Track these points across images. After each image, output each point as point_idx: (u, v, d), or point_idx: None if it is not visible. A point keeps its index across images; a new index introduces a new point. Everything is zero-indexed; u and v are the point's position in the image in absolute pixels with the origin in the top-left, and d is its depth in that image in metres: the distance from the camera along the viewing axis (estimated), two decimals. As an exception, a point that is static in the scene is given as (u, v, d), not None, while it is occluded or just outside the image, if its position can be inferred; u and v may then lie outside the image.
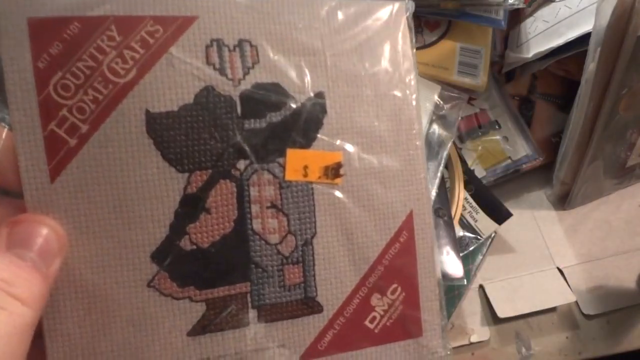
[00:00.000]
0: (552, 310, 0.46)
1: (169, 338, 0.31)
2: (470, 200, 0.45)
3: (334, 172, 0.34)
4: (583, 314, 0.46)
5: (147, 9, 0.31)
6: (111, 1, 0.30)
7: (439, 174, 0.40)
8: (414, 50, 0.37)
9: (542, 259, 0.47)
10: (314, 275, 0.34)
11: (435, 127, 0.41)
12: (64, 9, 0.30)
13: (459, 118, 0.42)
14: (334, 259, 0.34)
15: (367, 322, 0.35)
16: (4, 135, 0.30)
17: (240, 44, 0.33)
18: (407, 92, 0.36)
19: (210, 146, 0.32)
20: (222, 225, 0.32)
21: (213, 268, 0.32)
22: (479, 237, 0.45)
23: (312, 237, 0.34)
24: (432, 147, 0.41)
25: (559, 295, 0.45)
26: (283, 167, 0.33)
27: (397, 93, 0.36)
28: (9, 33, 0.29)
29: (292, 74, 0.33)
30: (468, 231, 0.44)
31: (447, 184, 0.44)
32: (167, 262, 0.31)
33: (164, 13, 0.31)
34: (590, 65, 0.40)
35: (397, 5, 0.36)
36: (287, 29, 0.34)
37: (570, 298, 0.45)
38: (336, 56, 0.35)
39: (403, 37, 0.37)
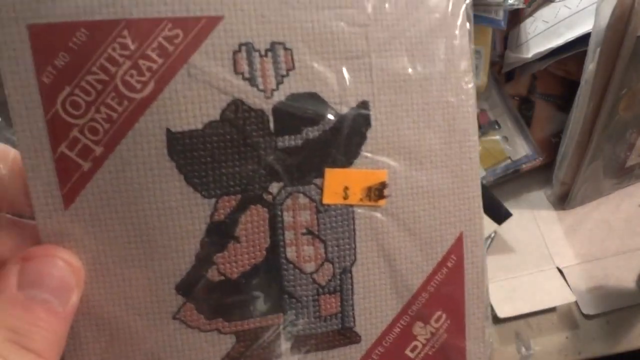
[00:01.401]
0: (552, 310, 0.45)
1: (196, 372, 0.29)
2: None
3: (377, 193, 0.30)
4: (583, 314, 0.45)
5: (165, 9, 0.26)
6: (122, 1, 0.26)
7: None
8: (473, 46, 0.32)
9: (542, 259, 0.47)
10: (352, 305, 0.31)
11: None
12: (68, 13, 0.25)
13: None
14: (374, 287, 0.31)
15: (407, 352, 0.32)
16: (11, 157, 0.27)
17: (272, 47, 0.28)
18: (463, 97, 0.31)
19: (239, 168, 0.28)
20: (252, 254, 0.29)
21: (243, 299, 0.29)
22: None
23: (351, 265, 0.31)
24: None
25: (559, 295, 0.45)
26: (321, 189, 0.29)
27: (452, 99, 0.31)
28: (8, 43, 0.25)
29: (332, 81, 0.29)
30: None
31: None
32: (194, 294, 0.29)
33: (184, 14, 0.27)
34: (590, 66, 0.40)
35: None
36: (327, 27, 0.29)
37: (570, 298, 0.45)
38: (383, 58, 0.30)
39: (461, 31, 0.31)
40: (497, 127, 0.49)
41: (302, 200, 0.29)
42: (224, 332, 0.30)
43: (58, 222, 0.27)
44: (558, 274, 0.46)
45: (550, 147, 0.50)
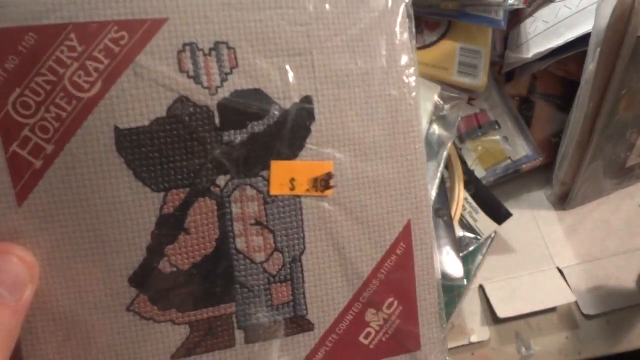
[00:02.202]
0: (552, 310, 0.45)
1: (151, 362, 0.30)
2: (470, 200, 0.45)
3: (323, 183, 0.31)
4: (583, 314, 0.45)
5: (110, 13, 0.28)
6: (69, 6, 0.27)
7: (438, 174, 0.40)
8: (414, 42, 0.33)
9: (542, 259, 0.47)
10: (303, 293, 0.32)
11: (435, 127, 0.41)
12: (17, 18, 0.27)
13: (459, 118, 0.42)
14: (324, 275, 0.32)
15: (361, 338, 0.33)
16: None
17: (216, 46, 0.29)
18: (405, 90, 0.33)
19: (186, 162, 0.29)
20: (202, 245, 0.30)
21: (195, 290, 0.30)
22: (478, 237, 0.44)
23: (301, 254, 0.32)
24: (432, 147, 0.40)
25: (559, 295, 0.45)
26: (267, 181, 0.31)
27: (394, 92, 0.32)
28: (-42, 48, 0.26)
29: (276, 77, 0.30)
30: (468, 231, 0.44)
31: (447, 184, 0.44)
32: (146, 286, 0.30)
33: (129, 16, 0.28)
34: (590, 66, 0.40)
35: None
36: (269, 27, 0.30)
37: (570, 298, 0.45)
38: (325, 54, 0.31)
39: (401, 28, 0.33)
40: (497, 127, 0.49)
41: (250, 192, 0.30)
42: (178, 322, 0.30)
43: (12, 220, 0.28)
44: (558, 274, 0.46)
45: (550, 147, 0.50)
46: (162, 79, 0.29)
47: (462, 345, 0.43)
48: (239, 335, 0.31)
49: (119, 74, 0.28)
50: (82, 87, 0.28)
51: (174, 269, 0.30)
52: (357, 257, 0.33)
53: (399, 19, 0.33)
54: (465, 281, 0.39)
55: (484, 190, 0.45)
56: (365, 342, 0.33)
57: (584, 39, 0.41)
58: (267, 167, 0.30)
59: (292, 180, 0.31)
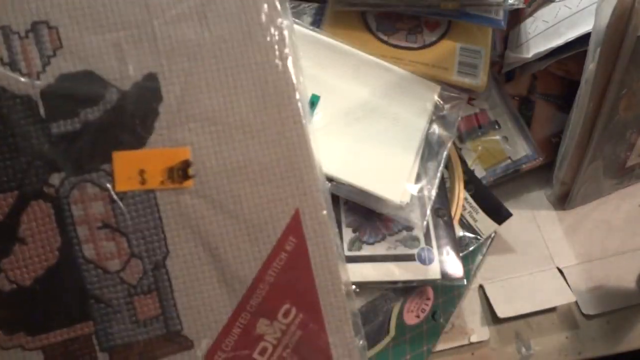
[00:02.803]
0: (552, 310, 0.45)
1: (-1, 396, 0.26)
2: (470, 200, 0.45)
3: (181, 173, 0.27)
4: (583, 314, 0.45)
5: None
6: None
7: (438, 174, 0.40)
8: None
9: (542, 259, 0.47)
10: (174, 305, 0.27)
11: (435, 127, 0.41)
12: None
13: (459, 118, 0.42)
14: (198, 282, 0.27)
15: (256, 355, 0.28)
16: None
17: (34, 27, 0.26)
18: (272, 54, 0.28)
19: (10, 162, 0.26)
20: (43, 256, 0.26)
21: (43, 308, 0.26)
22: (478, 237, 0.44)
23: (164, 258, 0.27)
24: (432, 147, 0.41)
25: (559, 295, 0.45)
26: (112, 175, 0.26)
27: (258, 58, 0.27)
28: None
29: (109, 56, 0.26)
30: (468, 231, 0.44)
31: (447, 184, 0.44)
32: (-15, 307, 0.26)
33: None
34: (590, 65, 0.40)
35: None
36: (97, 0, 0.26)
37: (570, 298, 0.45)
38: (169, 24, 0.27)
39: None
40: (497, 127, 0.49)
41: (91, 189, 0.26)
42: (29, 348, 0.26)
43: None
44: (558, 274, 0.47)
45: (550, 147, 0.50)
46: (-26, 70, 0.25)
47: (462, 345, 0.43)
48: (103, 358, 0.27)
49: None
50: None
51: (14, 285, 0.26)
52: (235, 258, 0.27)
53: (259, -27, 0.28)
54: (465, 281, 0.39)
55: (484, 190, 0.45)
56: (262, 359, 0.28)
57: (584, 39, 0.42)
58: (109, 159, 0.26)
59: (141, 172, 0.26)
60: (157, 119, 0.27)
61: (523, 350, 0.43)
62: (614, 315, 0.46)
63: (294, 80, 0.28)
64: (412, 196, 0.37)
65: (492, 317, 0.44)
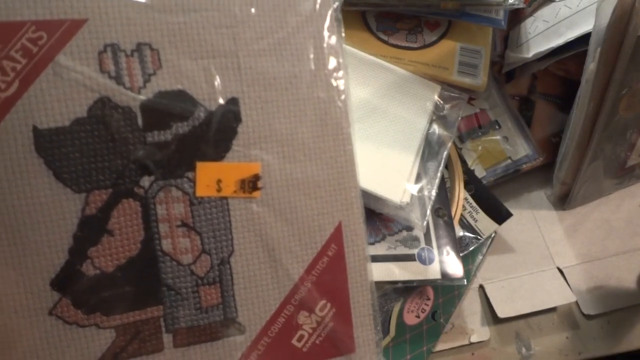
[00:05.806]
0: (552, 310, 0.45)
1: (75, 368, 0.30)
2: (470, 200, 0.44)
3: (251, 185, 0.32)
4: (583, 314, 0.45)
5: (27, 13, 0.28)
6: (-16, 6, 0.27)
7: (439, 174, 0.39)
8: (343, 46, 0.34)
9: (542, 259, 0.47)
10: (233, 296, 0.32)
11: (435, 127, 0.40)
12: None
13: (459, 118, 0.41)
14: (254, 277, 0.32)
15: (294, 341, 0.33)
16: None
17: (138, 48, 0.29)
18: (333, 93, 0.33)
19: (108, 163, 0.29)
20: (127, 247, 0.30)
21: (120, 293, 0.30)
22: (479, 237, 0.44)
23: (230, 256, 0.32)
24: (432, 147, 0.40)
25: (559, 295, 0.45)
26: (193, 182, 0.31)
27: (322, 95, 0.33)
28: None
29: (200, 79, 0.30)
30: (468, 231, 0.44)
31: (447, 184, 0.43)
32: (69, 289, 0.29)
33: (47, 17, 0.28)
34: (590, 65, 0.39)
35: None
36: (193, 29, 0.30)
37: (571, 298, 0.45)
38: (251, 57, 0.31)
39: (329, 32, 0.33)
40: (497, 127, 0.49)
41: (175, 193, 0.30)
42: (103, 326, 0.30)
43: None
44: (558, 274, 0.46)
45: (550, 147, 0.50)
46: (83, 80, 0.28)
47: (463, 345, 0.42)
48: (167, 339, 0.31)
49: (37, 74, 0.28)
50: (-1, 87, 0.27)
51: (98, 271, 0.30)
52: (287, 259, 0.33)
53: (326, 24, 0.33)
54: (465, 281, 0.39)
55: (484, 190, 0.44)
56: (299, 345, 0.33)
57: (584, 38, 0.41)
58: (192, 168, 0.30)
59: (218, 181, 0.31)
60: (236, 137, 0.31)
61: (523, 350, 0.43)
62: (614, 315, 0.45)
63: (347, 116, 0.34)
64: (412, 196, 0.37)
65: (492, 317, 0.44)
